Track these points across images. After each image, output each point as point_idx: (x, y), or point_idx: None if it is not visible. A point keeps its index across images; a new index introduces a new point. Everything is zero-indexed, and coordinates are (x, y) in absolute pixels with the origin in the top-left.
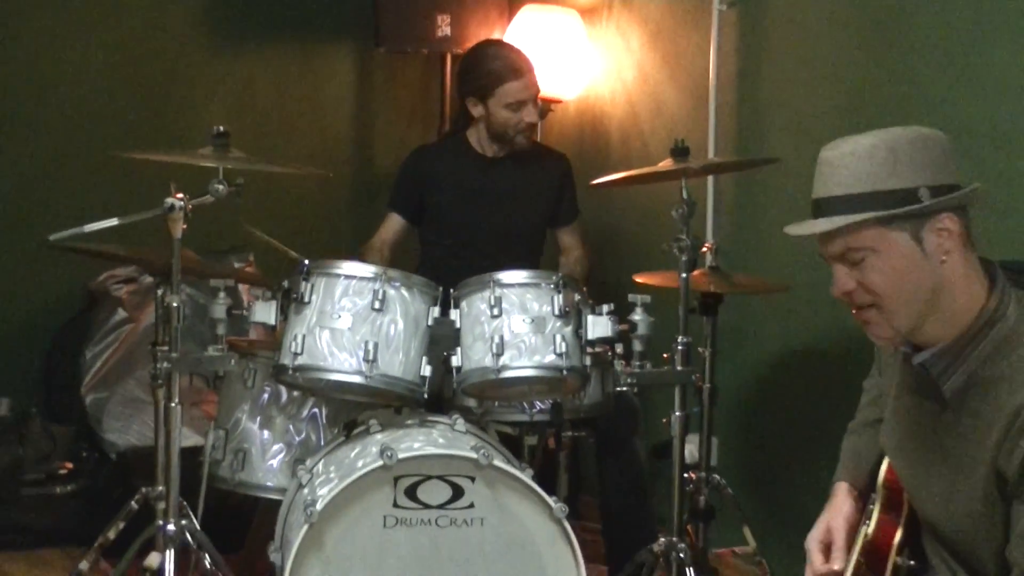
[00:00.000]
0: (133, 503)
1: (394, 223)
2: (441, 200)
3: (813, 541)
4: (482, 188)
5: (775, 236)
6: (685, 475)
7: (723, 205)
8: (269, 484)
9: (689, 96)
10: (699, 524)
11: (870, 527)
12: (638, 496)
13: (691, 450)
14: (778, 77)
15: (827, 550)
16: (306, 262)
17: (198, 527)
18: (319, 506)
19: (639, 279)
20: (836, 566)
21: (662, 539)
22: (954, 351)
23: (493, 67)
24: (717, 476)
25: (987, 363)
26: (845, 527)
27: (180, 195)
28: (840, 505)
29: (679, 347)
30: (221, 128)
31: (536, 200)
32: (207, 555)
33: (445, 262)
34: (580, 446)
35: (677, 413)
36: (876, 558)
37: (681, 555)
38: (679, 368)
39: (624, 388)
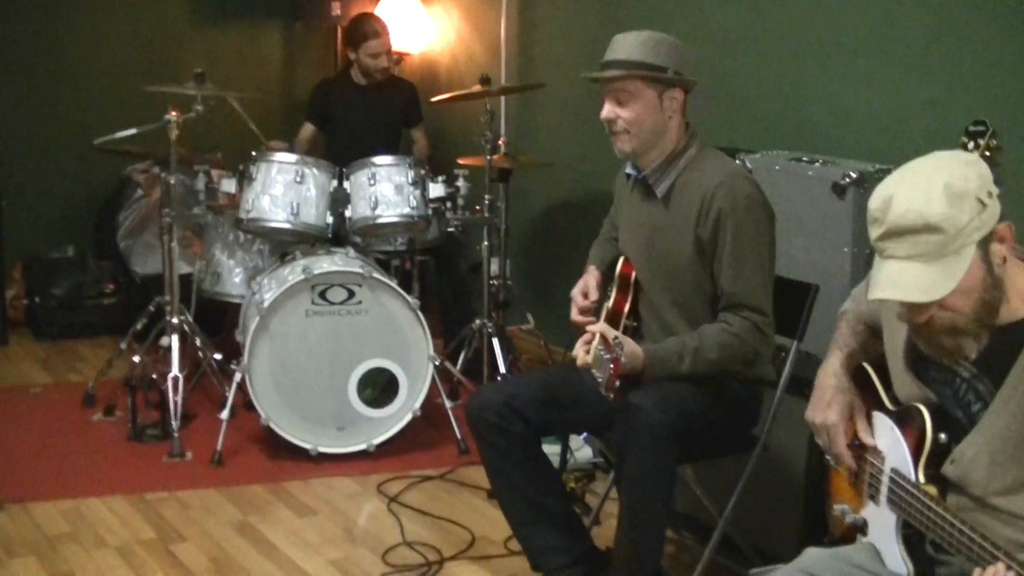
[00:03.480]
0: (151, 307)
1: (308, 129)
2: (336, 113)
3: (576, 292)
4: (360, 104)
5: (544, 132)
6: (491, 281)
7: (512, 114)
8: (234, 293)
9: (488, 48)
10: (500, 311)
11: (610, 302)
12: (462, 295)
13: (495, 266)
14: (545, 34)
15: (584, 297)
16: (254, 152)
17: (191, 320)
18: (265, 305)
19: (461, 161)
20: (592, 297)
21: (477, 320)
22: (661, 168)
23: (361, 29)
24: (510, 281)
25: (681, 173)
26: (596, 283)
27: (175, 112)
28: (591, 274)
29: (486, 202)
30: (199, 70)
31: (394, 109)
32: (198, 338)
33: (340, 150)
34: (425, 266)
35: (485, 243)
36: (613, 321)
37: (489, 330)
38: (486, 215)
39: (452, 228)
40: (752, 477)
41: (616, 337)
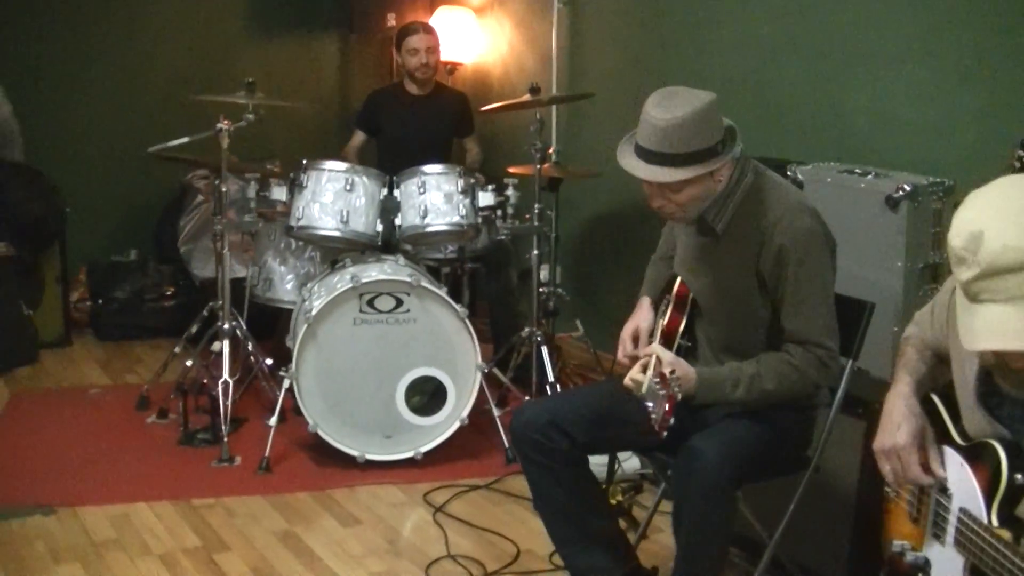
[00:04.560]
0: (204, 312)
1: (358, 136)
2: (388, 121)
3: (625, 334)
4: (412, 113)
5: (592, 141)
6: (540, 289)
7: (561, 123)
8: (285, 299)
9: (539, 57)
10: (549, 319)
11: (664, 320)
12: (511, 303)
13: (544, 274)
14: (594, 44)
15: (635, 340)
16: (304, 161)
17: (244, 326)
18: (313, 312)
19: (511, 170)
20: (640, 352)
21: (526, 328)
22: (719, 203)
23: (404, 30)
24: (559, 289)
25: (741, 204)
26: (647, 327)
27: (226, 122)
28: (644, 312)
29: (536, 210)
30: (250, 79)
31: (445, 119)
32: (249, 343)
33: (391, 159)
34: (475, 273)
35: (535, 251)
36: (668, 340)
37: (538, 338)
38: (535, 224)
39: (502, 237)
40: (802, 498)
41: (673, 371)
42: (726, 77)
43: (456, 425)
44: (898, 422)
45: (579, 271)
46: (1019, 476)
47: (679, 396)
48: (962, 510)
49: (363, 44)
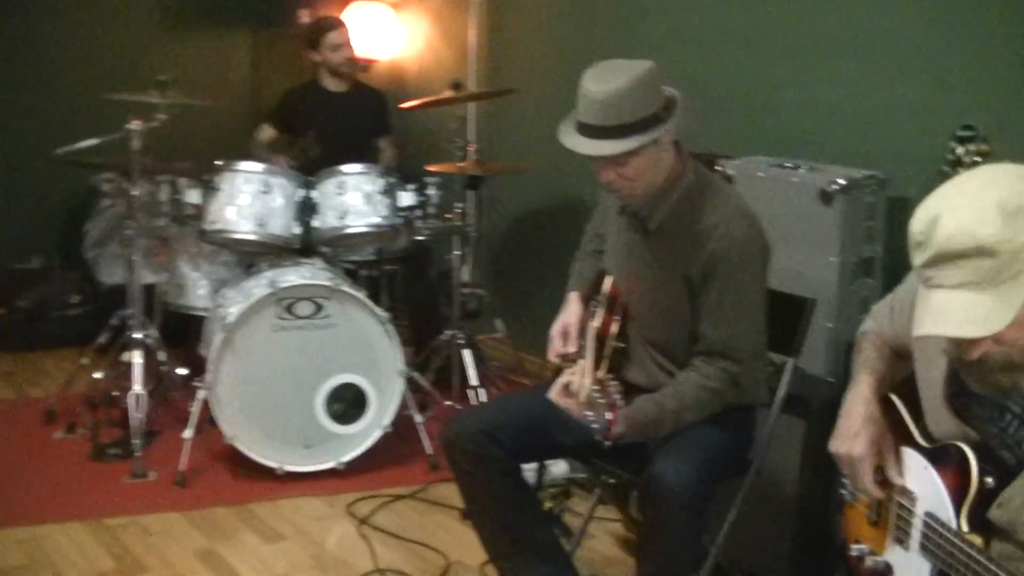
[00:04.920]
0: (114, 320)
1: (268, 131)
2: (305, 119)
3: (555, 331)
4: (330, 111)
5: (515, 138)
6: (461, 290)
7: (482, 120)
8: (198, 305)
9: (457, 53)
10: (470, 320)
11: (597, 321)
12: (431, 304)
13: (464, 275)
14: (515, 38)
15: (565, 337)
16: (219, 163)
17: (156, 334)
18: (230, 320)
19: (430, 168)
20: (571, 348)
21: (447, 331)
22: (655, 199)
23: (319, 26)
24: (480, 290)
25: (677, 205)
26: (577, 322)
27: (137, 122)
28: (573, 307)
29: (457, 209)
30: (162, 78)
31: (363, 117)
32: (162, 353)
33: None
34: (394, 275)
35: (456, 252)
36: (601, 342)
37: (460, 341)
38: (457, 223)
39: (422, 237)
40: (744, 500)
41: (613, 376)
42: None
43: (378, 433)
44: (856, 429)
45: (500, 271)
46: (989, 479)
47: (621, 402)
48: (928, 515)
49: (274, 41)
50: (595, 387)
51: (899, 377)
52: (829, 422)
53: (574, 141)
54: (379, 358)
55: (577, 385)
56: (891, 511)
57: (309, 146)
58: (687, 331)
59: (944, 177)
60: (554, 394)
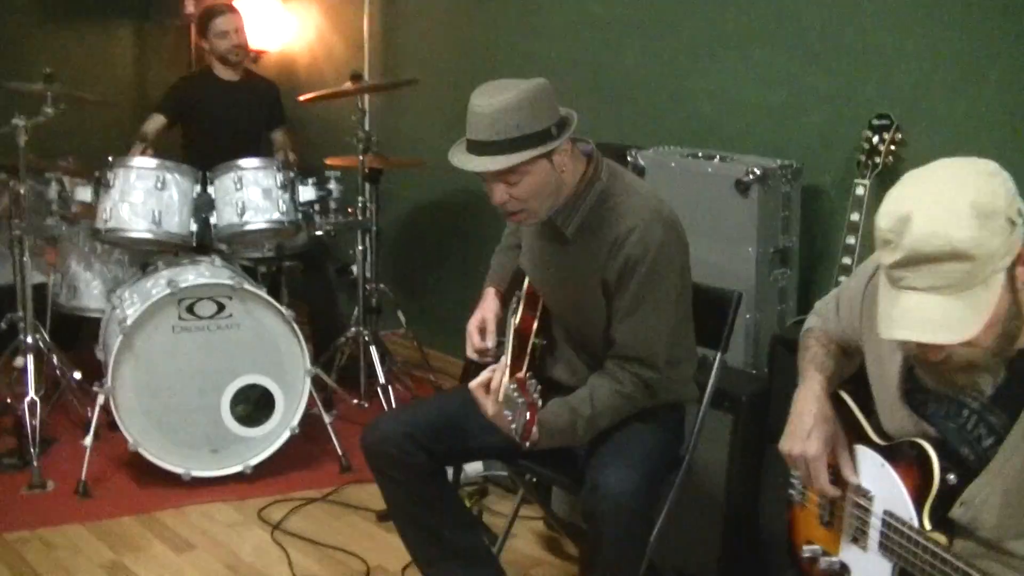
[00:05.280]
0: (2, 323)
1: (158, 120)
2: (197, 110)
3: (472, 327)
4: (223, 102)
5: (411, 130)
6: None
7: (377, 112)
8: (92, 307)
9: (351, 44)
10: (373, 316)
11: (517, 319)
12: (331, 300)
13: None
14: (410, 32)
15: (483, 332)
16: (110, 158)
17: (47, 338)
18: (129, 322)
19: (329, 161)
20: (489, 343)
21: (352, 329)
22: (569, 206)
23: (207, 12)
24: (382, 285)
25: (592, 210)
26: (495, 317)
27: (22, 116)
28: (490, 302)
29: (360, 204)
30: (48, 70)
31: (257, 109)
32: (55, 356)
33: (200, 151)
34: (292, 272)
35: (360, 247)
36: (521, 339)
37: (366, 338)
38: (360, 218)
39: (321, 232)
40: (674, 499)
41: (531, 375)
42: (559, 60)
43: (286, 434)
44: (808, 428)
45: (399, 266)
46: (951, 476)
47: (540, 402)
48: (888, 513)
49: (160, 33)
50: (513, 386)
51: (847, 374)
52: (756, 416)
53: (461, 159)
54: (284, 358)
55: (497, 383)
56: (846, 511)
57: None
58: (604, 336)
59: (860, 167)
60: (474, 385)
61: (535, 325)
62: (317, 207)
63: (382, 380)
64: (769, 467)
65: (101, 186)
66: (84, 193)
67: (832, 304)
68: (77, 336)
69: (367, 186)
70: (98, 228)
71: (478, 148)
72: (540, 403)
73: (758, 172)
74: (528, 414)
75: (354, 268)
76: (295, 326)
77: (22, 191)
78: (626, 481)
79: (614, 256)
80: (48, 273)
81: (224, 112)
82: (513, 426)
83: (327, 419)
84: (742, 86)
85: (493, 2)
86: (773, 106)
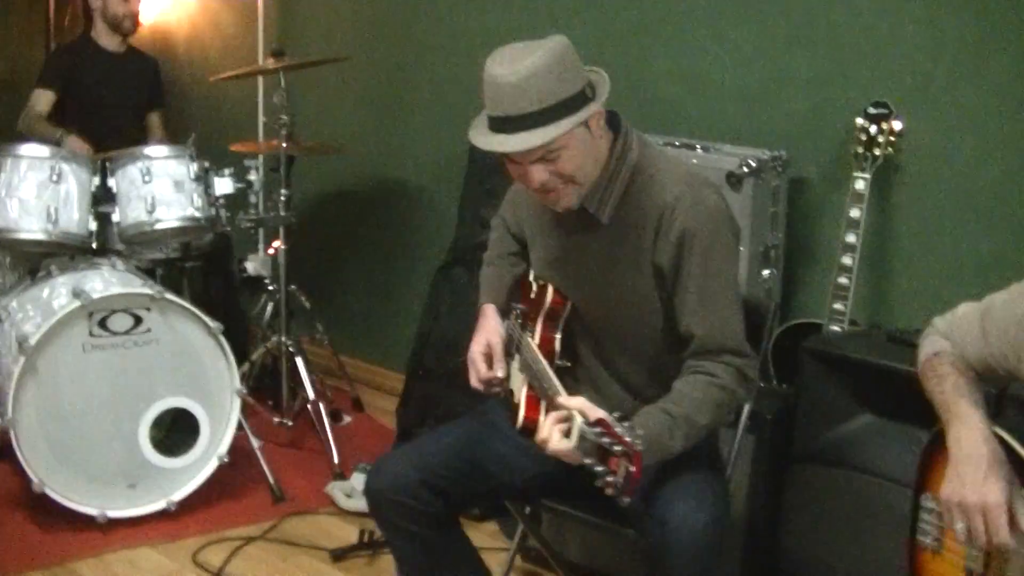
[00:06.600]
0: None
1: (47, 97)
2: (80, 83)
3: (476, 352)
4: (108, 74)
5: (318, 115)
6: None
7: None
8: None
9: (240, 18)
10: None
11: (534, 338)
12: (236, 304)
13: (255, 266)
14: (310, 5)
15: (489, 360)
16: None
17: None
18: (32, 340)
19: (235, 148)
20: (499, 373)
21: (274, 338)
22: (601, 187)
23: None
24: (292, 285)
25: (629, 185)
26: (501, 340)
27: None
28: (492, 322)
29: (282, 198)
30: None
31: (139, 87)
32: None
33: (83, 129)
34: (194, 273)
35: (281, 246)
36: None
37: (290, 348)
38: (284, 213)
39: (242, 228)
40: None
41: (621, 415)
42: (494, 33)
43: (214, 463)
44: (985, 471)
45: (309, 265)
46: None
47: (639, 446)
48: None
49: None
50: (597, 430)
51: None
52: (781, 435)
53: (490, 140)
54: (209, 376)
55: (565, 428)
56: (1012, 563)
57: None
58: (661, 334)
59: (858, 159)
60: (555, 444)
61: (557, 343)
62: (222, 200)
63: (311, 396)
64: (792, 488)
65: None
66: None
67: (975, 325)
68: None
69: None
70: None
71: (507, 124)
72: (639, 444)
73: (753, 164)
74: (632, 466)
75: (249, 266)
76: (222, 339)
77: None
78: (698, 514)
79: (665, 233)
80: None
81: (106, 88)
82: (610, 479)
83: (255, 444)
84: (713, 67)
85: None
86: (750, 90)
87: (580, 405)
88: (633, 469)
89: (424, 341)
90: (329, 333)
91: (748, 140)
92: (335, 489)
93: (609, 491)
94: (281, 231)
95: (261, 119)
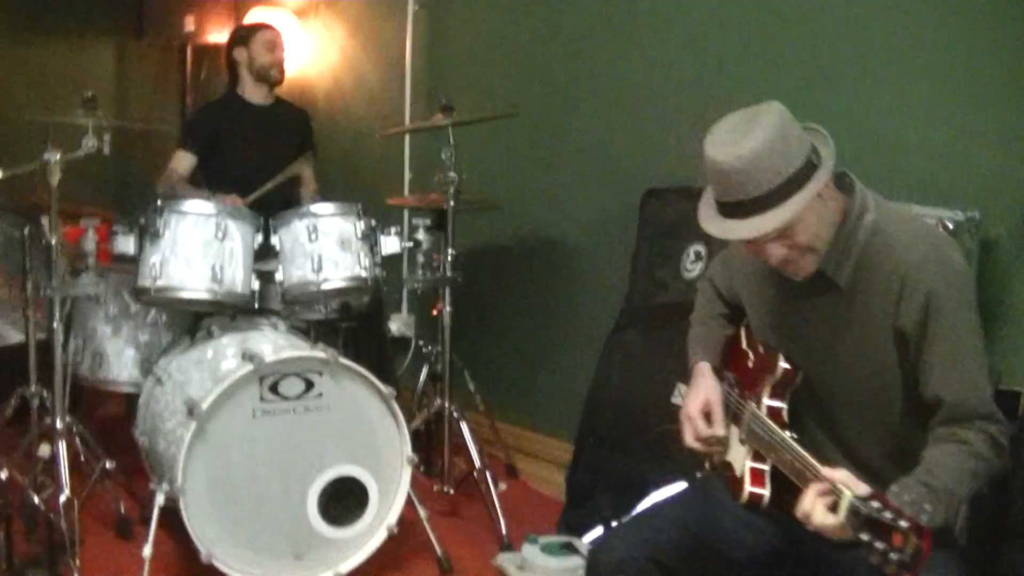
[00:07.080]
0: (13, 401)
1: (187, 160)
2: (227, 139)
3: (694, 410)
4: (256, 128)
5: (481, 168)
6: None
7: (423, 148)
8: (124, 379)
9: (385, 70)
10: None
11: (762, 408)
12: (389, 366)
13: (399, 326)
14: (460, 58)
15: (708, 418)
16: (159, 202)
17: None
18: (204, 405)
19: (391, 201)
20: (719, 431)
21: (437, 402)
22: (838, 249)
23: (249, 24)
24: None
25: (866, 248)
26: (719, 399)
27: (57, 150)
28: (710, 382)
29: (449, 258)
30: (88, 94)
31: (289, 137)
32: (77, 440)
33: (228, 185)
34: (349, 334)
35: (448, 308)
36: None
37: (455, 415)
38: (449, 274)
39: (411, 289)
40: None
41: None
42: (661, 91)
43: (383, 534)
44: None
45: (461, 325)
46: None
47: (926, 520)
48: None
49: (148, 51)
50: (877, 504)
51: None
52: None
53: (722, 227)
54: (381, 443)
55: (830, 502)
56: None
57: None
58: (900, 404)
59: None
60: (819, 518)
61: (786, 416)
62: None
63: (478, 463)
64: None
65: (148, 235)
66: (126, 244)
67: None
68: (78, 406)
69: (441, 234)
70: (146, 287)
71: (738, 210)
72: (924, 518)
73: (951, 227)
74: (922, 542)
75: (392, 326)
76: (394, 405)
77: (54, 242)
78: None
79: (909, 295)
80: (24, 326)
81: (255, 141)
82: (893, 556)
83: (422, 514)
84: (890, 119)
85: (556, 23)
86: (933, 145)
87: (844, 479)
88: (921, 542)
89: (596, 406)
90: (484, 397)
91: (920, 197)
92: (506, 561)
93: (890, 569)
94: (447, 292)
95: (407, 174)
